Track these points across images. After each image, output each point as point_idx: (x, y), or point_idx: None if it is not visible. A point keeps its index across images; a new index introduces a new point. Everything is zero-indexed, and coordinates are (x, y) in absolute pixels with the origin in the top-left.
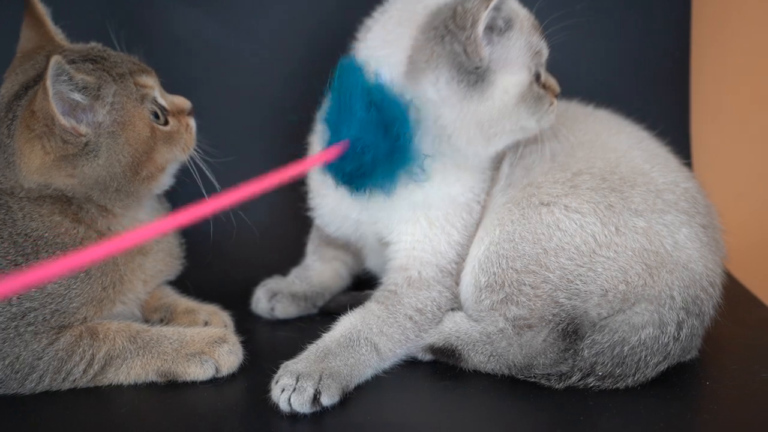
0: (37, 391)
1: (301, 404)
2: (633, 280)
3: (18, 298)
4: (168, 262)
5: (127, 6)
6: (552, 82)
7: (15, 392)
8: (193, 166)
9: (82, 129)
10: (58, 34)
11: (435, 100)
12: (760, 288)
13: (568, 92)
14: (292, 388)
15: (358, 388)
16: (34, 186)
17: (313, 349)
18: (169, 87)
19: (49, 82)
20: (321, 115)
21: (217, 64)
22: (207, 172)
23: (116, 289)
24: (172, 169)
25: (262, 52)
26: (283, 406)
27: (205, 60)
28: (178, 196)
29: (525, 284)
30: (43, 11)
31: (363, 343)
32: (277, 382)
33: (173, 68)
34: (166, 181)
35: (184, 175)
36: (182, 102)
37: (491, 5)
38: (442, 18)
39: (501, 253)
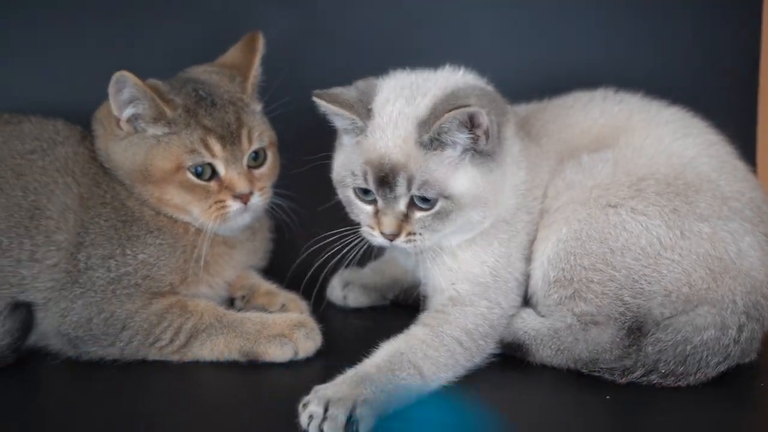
0: (126, 354)
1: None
2: (696, 283)
3: (116, 264)
4: (255, 255)
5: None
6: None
7: (106, 354)
8: None
9: None
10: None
11: None
12: None
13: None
14: (321, 418)
15: None
16: None
17: (350, 374)
18: None
19: None
20: None
21: None
22: None
23: (198, 265)
24: None
25: None
26: None
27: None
28: None
29: (593, 281)
30: (260, 48)
31: (406, 366)
32: (304, 405)
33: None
34: None
35: None
36: None
37: None
38: None
39: (569, 251)
